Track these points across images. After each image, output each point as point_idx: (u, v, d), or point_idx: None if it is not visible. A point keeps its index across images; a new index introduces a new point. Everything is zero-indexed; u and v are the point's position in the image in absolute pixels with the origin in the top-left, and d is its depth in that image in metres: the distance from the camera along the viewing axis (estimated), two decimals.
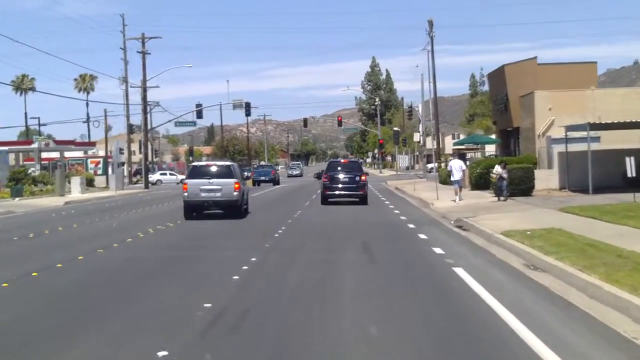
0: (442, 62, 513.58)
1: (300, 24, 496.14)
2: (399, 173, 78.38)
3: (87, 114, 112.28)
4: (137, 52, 61.81)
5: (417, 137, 61.20)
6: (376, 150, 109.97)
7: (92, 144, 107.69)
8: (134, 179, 77.75)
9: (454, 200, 29.11)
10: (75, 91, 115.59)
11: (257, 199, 37.01)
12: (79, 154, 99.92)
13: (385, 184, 55.68)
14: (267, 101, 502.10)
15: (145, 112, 62.50)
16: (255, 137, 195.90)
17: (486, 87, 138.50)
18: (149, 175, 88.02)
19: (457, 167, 30.33)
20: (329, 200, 30.57)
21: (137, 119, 74.44)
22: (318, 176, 72.16)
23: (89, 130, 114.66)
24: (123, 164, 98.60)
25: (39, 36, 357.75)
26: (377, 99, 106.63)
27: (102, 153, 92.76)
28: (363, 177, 30.70)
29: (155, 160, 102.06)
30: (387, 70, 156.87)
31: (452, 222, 21.97)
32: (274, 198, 39.91)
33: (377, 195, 38.54)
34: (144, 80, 61.96)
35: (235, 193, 24.42)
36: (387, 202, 32.24)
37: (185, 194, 24.66)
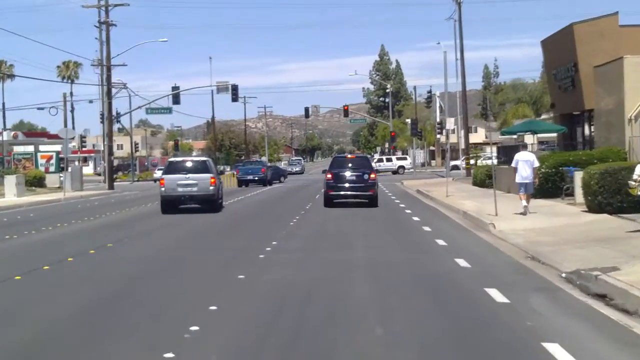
0: (448, 57, 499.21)
1: (303, 17, 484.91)
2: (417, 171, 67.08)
3: (72, 104, 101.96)
4: (101, 22, 50.81)
5: (450, 123, 49.88)
6: (386, 145, 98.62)
7: (71, 137, 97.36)
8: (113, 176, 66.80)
9: (523, 213, 19.43)
10: (58, 80, 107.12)
11: (227, 209, 26.20)
12: (57, 147, 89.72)
13: (402, 185, 44.71)
14: (274, 97, 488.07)
15: (109, 95, 51.47)
16: (262, 131, 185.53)
17: (500, 79, 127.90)
18: (160, 171, 77.43)
19: (527, 163, 20.16)
20: (334, 201, 26.64)
21: (122, 107, 63.31)
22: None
23: (72, 121, 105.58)
24: (85, 159, 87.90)
25: (19, 21, 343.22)
26: (388, 86, 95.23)
27: (95, 147, 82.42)
28: (372, 175, 27.15)
29: (138, 154, 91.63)
30: (397, 61, 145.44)
31: (562, 275, 11.10)
32: (252, 209, 28.24)
33: (397, 204, 27.61)
34: (108, 58, 50.97)
35: (211, 187, 24.63)
36: (416, 219, 21.17)
37: (163, 189, 24.69)
